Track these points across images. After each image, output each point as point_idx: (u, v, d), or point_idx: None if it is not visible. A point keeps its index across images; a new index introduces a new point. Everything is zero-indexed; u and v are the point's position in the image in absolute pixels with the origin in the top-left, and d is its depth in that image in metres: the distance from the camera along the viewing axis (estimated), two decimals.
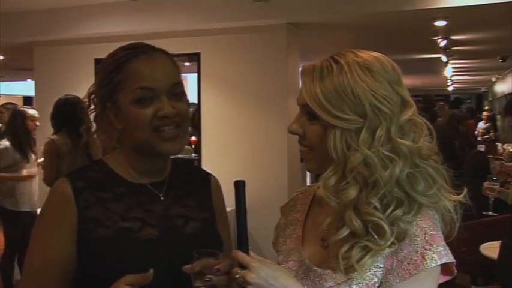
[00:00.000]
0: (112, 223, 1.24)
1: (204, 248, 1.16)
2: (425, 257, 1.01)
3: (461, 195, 1.12)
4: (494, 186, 3.81)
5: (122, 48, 1.30)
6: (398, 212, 1.03)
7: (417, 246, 1.02)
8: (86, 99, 1.35)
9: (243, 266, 1.01)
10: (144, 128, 1.23)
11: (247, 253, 1.03)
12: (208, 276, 1.09)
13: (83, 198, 1.25)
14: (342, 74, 1.06)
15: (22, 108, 4.84)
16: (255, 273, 0.99)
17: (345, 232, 1.05)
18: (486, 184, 3.83)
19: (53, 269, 1.23)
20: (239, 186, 1.07)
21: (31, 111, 4.78)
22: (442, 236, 1.05)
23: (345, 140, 1.05)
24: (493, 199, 3.85)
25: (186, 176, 1.41)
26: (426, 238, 1.02)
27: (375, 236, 1.02)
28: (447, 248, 1.04)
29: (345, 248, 1.05)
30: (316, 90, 1.07)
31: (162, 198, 1.32)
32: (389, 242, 1.02)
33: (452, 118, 6.29)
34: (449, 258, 1.03)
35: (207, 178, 1.46)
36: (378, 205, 1.03)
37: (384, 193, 1.04)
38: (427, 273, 1.00)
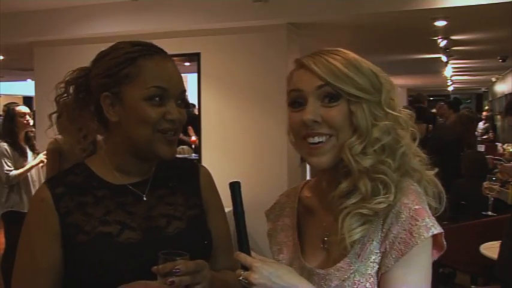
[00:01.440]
0: (91, 228, 1.22)
1: (189, 247, 1.16)
2: (413, 233, 1.01)
3: (433, 173, 1.15)
4: (494, 186, 3.81)
5: (131, 44, 1.29)
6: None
7: (404, 224, 1.02)
8: (62, 85, 1.32)
9: (246, 267, 1.01)
10: (149, 126, 1.22)
11: (249, 254, 1.03)
12: (170, 279, 1.09)
13: (64, 204, 1.24)
14: (350, 54, 1.11)
15: (11, 107, 4.77)
16: (258, 273, 0.98)
17: (356, 198, 1.06)
18: (485, 184, 3.83)
19: (41, 275, 1.23)
20: (234, 188, 1.06)
21: (19, 108, 4.72)
22: (427, 208, 1.05)
23: (373, 112, 1.08)
24: (492, 199, 3.85)
25: (173, 171, 1.37)
26: (411, 214, 1.02)
27: (382, 191, 1.05)
28: (433, 219, 1.04)
29: (344, 214, 1.06)
30: (336, 65, 1.07)
31: (144, 198, 1.30)
32: (391, 198, 1.04)
33: (464, 118, 6.30)
34: (436, 229, 1.02)
35: (195, 170, 1.42)
36: (393, 165, 1.07)
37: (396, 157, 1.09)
38: (418, 248, 1.00)
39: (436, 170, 1.16)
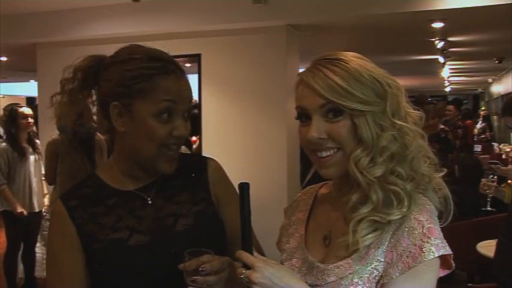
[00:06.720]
0: (104, 237, 1.26)
1: (200, 242, 1.18)
2: (423, 249, 1.02)
3: (443, 173, 1.16)
4: (491, 184, 3.85)
5: (148, 57, 1.29)
6: (411, 184, 1.08)
7: (415, 239, 1.03)
8: (70, 70, 1.34)
9: (248, 266, 1.02)
10: (155, 142, 1.25)
11: (251, 253, 1.04)
12: (194, 277, 1.11)
13: (78, 216, 1.29)
14: (350, 63, 1.08)
15: (14, 107, 4.76)
16: (260, 273, 1.00)
17: (368, 208, 1.07)
18: (483, 181, 3.87)
19: (66, 283, 1.28)
20: (243, 188, 1.07)
21: (21, 109, 4.71)
22: (439, 229, 1.06)
23: (378, 122, 1.07)
24: (491, 195, 3.89)
25: (182, 169, 1.37)
26: (424, 231, 1.03)
27: (395, 203, 1.05)
28: (444, 241, 1.05)
29: (356, 220, 1.07)
30: (336, 81, 1.06)
31: (149, 201, 1.32)
32: (405, 210, 1.05)
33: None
34: (446, 250, 1.04)
35: (203, 164, 1.43)
36: (403, 173, 1.07)
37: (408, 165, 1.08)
38: (426, 265, 1.01)
39: (444, 171, 1.16)
